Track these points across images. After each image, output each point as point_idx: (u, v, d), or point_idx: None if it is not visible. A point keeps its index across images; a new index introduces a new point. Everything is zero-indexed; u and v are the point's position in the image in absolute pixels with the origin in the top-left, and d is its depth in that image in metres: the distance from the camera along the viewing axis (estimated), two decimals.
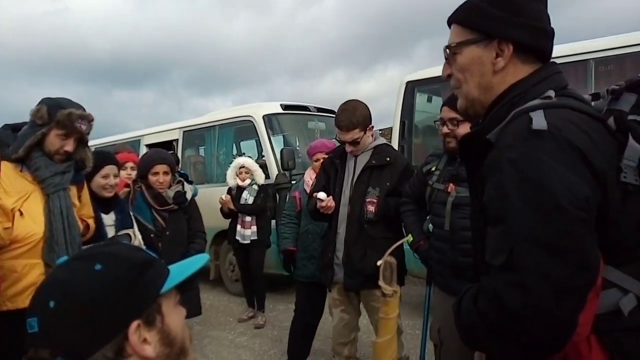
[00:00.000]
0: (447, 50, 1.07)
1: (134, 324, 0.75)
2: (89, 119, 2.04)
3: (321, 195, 2.59)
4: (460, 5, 1.06)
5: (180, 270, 0.85)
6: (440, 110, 2.16)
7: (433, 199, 2.18)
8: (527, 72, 1.00)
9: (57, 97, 2.05)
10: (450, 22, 1.09)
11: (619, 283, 0.90)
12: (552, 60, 1.03)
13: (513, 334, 0.84)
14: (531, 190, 0.84)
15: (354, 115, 2.49)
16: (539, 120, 0.86)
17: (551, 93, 0.95)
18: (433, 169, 2.23)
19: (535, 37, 0.98)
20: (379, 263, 1.82)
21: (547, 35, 1.01)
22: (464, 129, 1.94)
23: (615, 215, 0.88)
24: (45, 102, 1.98)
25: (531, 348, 0.85)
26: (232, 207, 4.65)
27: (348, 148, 2.56)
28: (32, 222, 1.95)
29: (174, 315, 0.82)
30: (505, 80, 1.01)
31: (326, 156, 3.07)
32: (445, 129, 2.10)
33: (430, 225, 2.29)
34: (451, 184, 2.11)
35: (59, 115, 1.94)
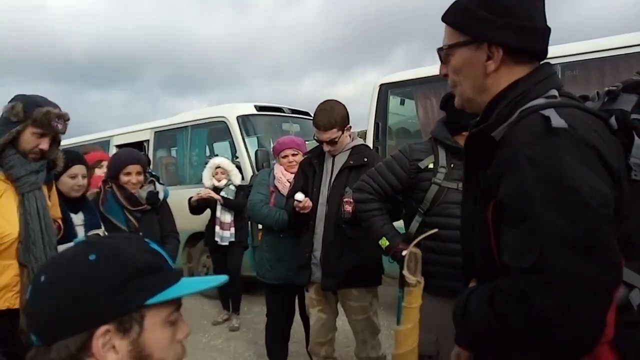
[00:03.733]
0: (440, 53, 1.08)
1: (103, 328, 0.73)
2: (65, 119, 2.00)
3: (298, 196, 2.61)
4: (450, 6, 1.06)
5: (187, 286, 0.82)
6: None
7: (442, 199, 2.05)
8: (521, 72, 1.00)
9: (32, 94, 2.00)
10: (443, 21, 1.09)
11: (625, 279, 0.89)
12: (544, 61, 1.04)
13: (542, 337, 0.80)
14: (555, 189, 0.82)
15: (332, 114, 2.51)
16: (557, 119, 0.85)
17: (554, 92, 0.97)
18: (431, 165, 2.10)
19: (524, 39, 0.98)
20: (404, 253, 1.89)
21: (539, 35, 1.00)
22: None
23: (626, 212, 0.88)
24: (21, 99, 1.93)
25: (559, 351, 0.82)
26: (215, 196, 4.53)
27: (326, 147, 2.58)
28: (5, 222, 1.89)
29: (157, 332, 0.78)
30: (500, 81, 1.01)
31: (295, 153, 3.11)
32: None
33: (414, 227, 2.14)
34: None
35: (36, 113, 1.90)
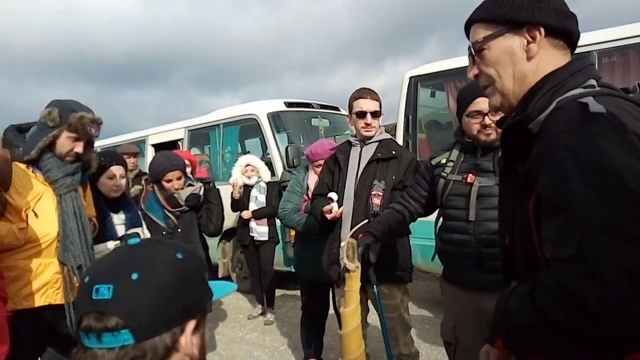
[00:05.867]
0: (472, 50, 1.06)
1: (193, 322, 0.77)
2: (98, 123, 2.07)
3: (332, 195, 2.59)
4: (480, 5, 1.06)
5: (219, 289, 0.88)
6: (465, 102, 2.06)
7: (449, 191, 2.10)
8: (558, 58, 1.00)
9: (67, 99, 2.08)
10: (470, 23, 1.08)
11: None
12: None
13: (584, 330, 0.77)
14: (595, 175, 0.79)
15: (374, 91, 2.60)
16: (595, 105, 0.83)
17: (593, 82, 0.95)
18: (443, 161, 2.16)
19: (562, 20, 0.99)
20: (342, 244, 2.20)
21: (573, 19, 1.01)
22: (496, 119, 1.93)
23: None
24: (56, 104, 2.01)
25: (602, 345, 0.78)
26: (245, 215, 4.68)
27: (368, 119, 2.54)
28: (46, 222, 1.98)
29: (205, 329, 0.84)
30: (539, 67, 1.00)
31: None
32: (487, 120, 2.00)
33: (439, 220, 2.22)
34: (470, 174, 2.05)
35: (71, 118, 1.97)
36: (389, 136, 2.71)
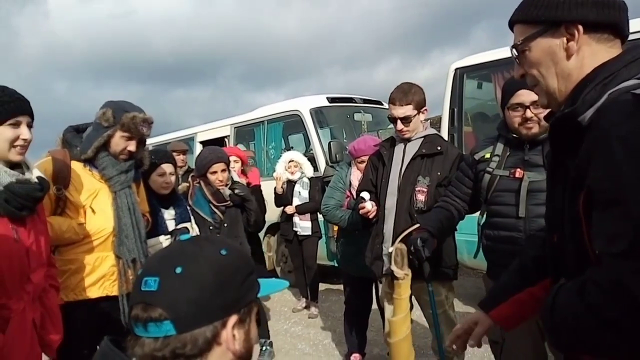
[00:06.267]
0: (515, 51, 1.06)
1: (235, 317, 0.80)
2: (149, 122, 2.16)
3: (365, 194, 2.57)
4: (520, 4, 1.05)
5: (266, 286, 0.90)
6: (507, 94, 2.01)
7: (495, 187, 2.05)
8: (605, 52, 0.97)
9: (120, 100, 2.18)
10: (512, 24, 1.07)
11: None
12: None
13: (637, 329, 0.75)
14: None
15: (409, 92, 2.47)
16: None
17: None
18: (487, 155, 2.10)
19: (602, 12, 0.95)
20: (390, 249, 2.11)
21: (617, 7, 0.96)
22: (543, 113, 1.88)
23: None
24: (110, 105, 2.11)
25: None
26: (289, 210, 4.74)
27: (398, 126, 2.50)
28: (102, 218, 2.09)
29: (253, 324, 0.85)
30: (583, 63, 0.97)
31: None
32: (528, 113, 1.95)
33: (483, 217, 2.17)
34: (518, 169, 1.98)
35: (124, 118, 2.07)
36: (434, 131, 2.65)
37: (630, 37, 1.02)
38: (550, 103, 1.06)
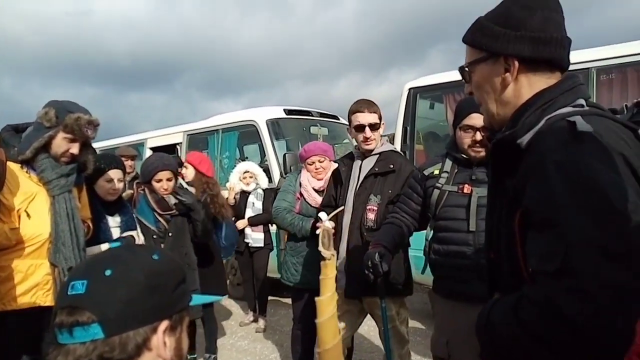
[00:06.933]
0: (464, 71, 1.10)
1: (166, 322, 0.78)
2: (95, 124, 2.07)
3: (322, 215, 2.54)
4: (471, 26, 1.09)
5: (198, 297, 0.92)
6: (460, 115, 2.07)
7: (444, 202, 2.10)
8: (543, 82, 1.01)
9: (64, 100, 2.08)
10: (463, 41, 1.11)
11: None
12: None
13: (568, 344, 0.78)
14: (584, 193, 0.81)
15: (373, 103, 2.55)
16: (582, 124, 0.86)
17: (582, 102, 0.97)
18: (436, 172, 2.16)
19: (537, 49, 0.99)
20: (317, 231, 2.22)
21: (555, 44, 1.00)
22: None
23: None
24: (53, 104, 2.01)
25: (586, 359, 0.79)
26: (240, 225, 4.63)
27: (367, 133, 2.51)
28: (38, 223, 1.98)
29: (184, 335, 0.85)
30: (521, 92, 1.02)
31: (321, 159, 3.09)
32: (478, 136, 2.01)
33: (431, 232, 2.22)
34: (467, 185, 2.05)
35: (68, 119, 1.97)
36: (391, 147, 2.68)
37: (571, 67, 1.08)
38: (492, 124, 1.11)
